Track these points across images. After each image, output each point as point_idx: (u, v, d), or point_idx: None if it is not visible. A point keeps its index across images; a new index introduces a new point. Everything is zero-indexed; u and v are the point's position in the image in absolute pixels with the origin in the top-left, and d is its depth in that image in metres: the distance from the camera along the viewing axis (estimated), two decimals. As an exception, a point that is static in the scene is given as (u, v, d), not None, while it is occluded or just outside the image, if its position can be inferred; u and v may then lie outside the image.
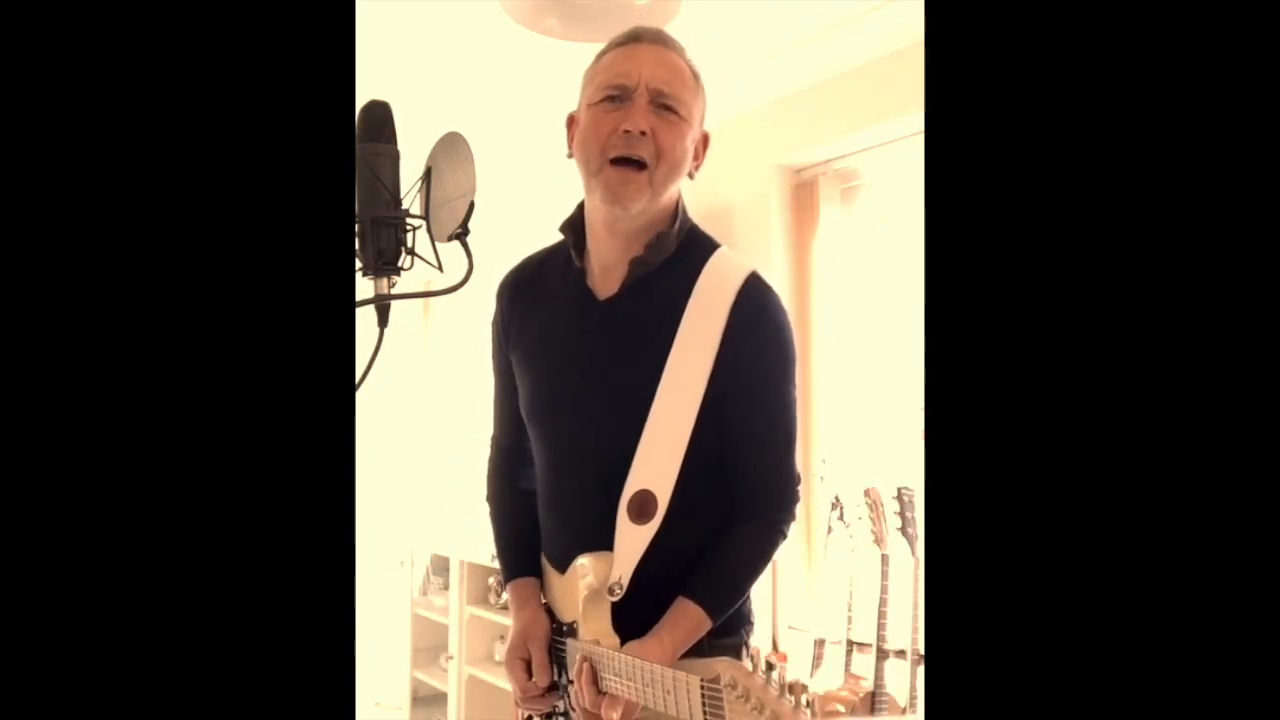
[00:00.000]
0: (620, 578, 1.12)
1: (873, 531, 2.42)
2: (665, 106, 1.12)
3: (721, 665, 0.91)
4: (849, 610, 2.48)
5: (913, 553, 2.34)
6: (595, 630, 1.15)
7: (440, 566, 3.93)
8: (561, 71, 2.88)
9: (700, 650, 1.13)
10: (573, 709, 1.18)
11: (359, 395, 0.80)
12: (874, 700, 2.35)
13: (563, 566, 1.23)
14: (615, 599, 1.13)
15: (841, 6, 2.54)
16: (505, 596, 1.36)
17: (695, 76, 1.18)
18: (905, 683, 2.32)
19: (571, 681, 1.17)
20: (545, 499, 1.29)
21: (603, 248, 1.21)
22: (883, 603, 2.38)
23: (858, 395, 2.74)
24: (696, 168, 1.20)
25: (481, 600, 3.52)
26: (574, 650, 1.19)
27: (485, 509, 1.44)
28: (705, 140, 1.22)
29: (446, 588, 3.71)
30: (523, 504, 1.34)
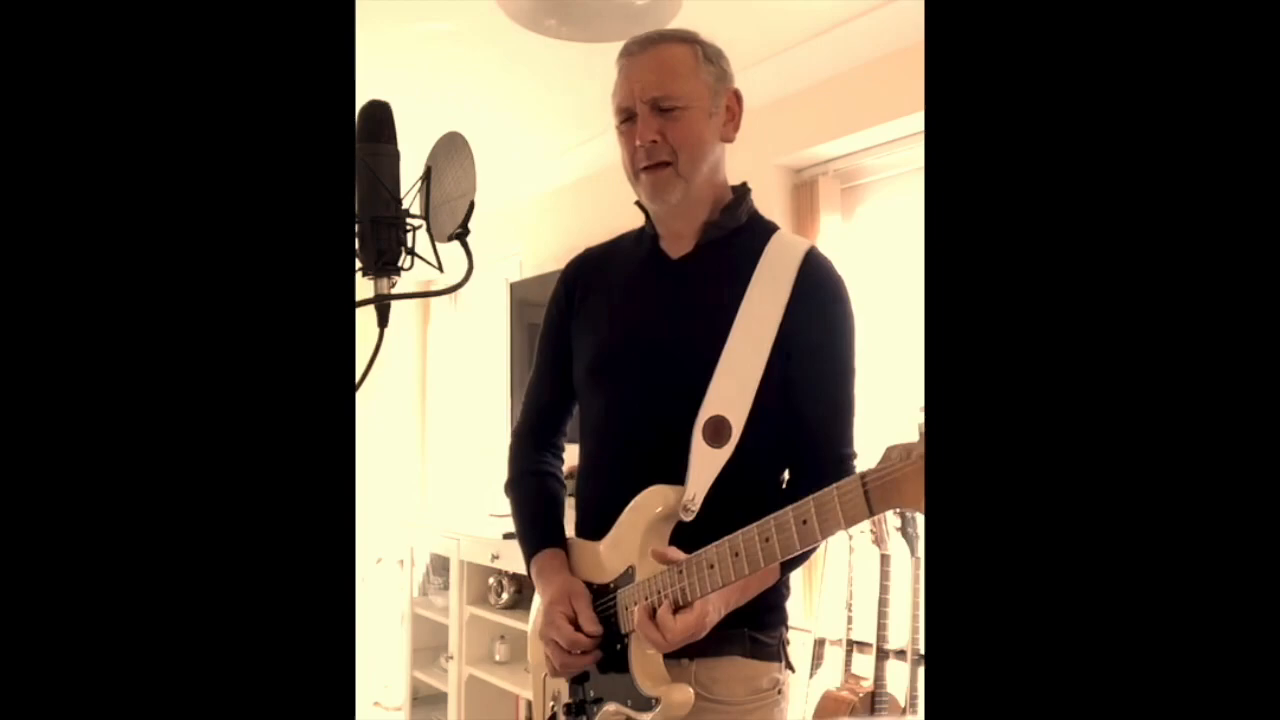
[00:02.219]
0: (694, 497, 1.15)
1: (873, 531, 2.42)
2: (666, 108, 1.21)
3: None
4: (849, 610, 2.48)
5: (913, 553, 2.34)
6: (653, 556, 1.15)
7: (440, 566, 3.93)
8: (561, 71, 2.89)
9: (743, 650, 1.21)
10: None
11: (359, 395, 0.80)
12: (874, 700, 2.35)
13: (600, 534, 1.25)
14: (689, 519, 1.15)
15: (841, 6, 2.54)
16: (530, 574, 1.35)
17: (698, 56, 1.24)
18: (905, 683, 2.32)
19: (630, 632, 1.18)
20: (591, 465, 1.32)
21: (673, 220, 1.30)
22: (883, 603, 2.38)
23: (857, 395, 2.73)
24: (733, 128, 1.29)
25: (481, 600, 3.52)
26: (626, 598, 1.19)
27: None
28: (736, 97, 1.28)
29: (446, 588, 3.71)
30: (545, 485, 1.37)
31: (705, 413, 1.17)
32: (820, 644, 2.60)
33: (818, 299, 1.22)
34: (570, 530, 1.36)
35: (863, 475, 0.98)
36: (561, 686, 1.30)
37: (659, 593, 1.14)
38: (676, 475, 1.18)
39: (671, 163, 1.23)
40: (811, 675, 2.58)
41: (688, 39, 1.25)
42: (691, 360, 1.20)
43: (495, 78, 3.01)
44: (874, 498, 0.96)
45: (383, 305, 1.07)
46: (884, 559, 2.39)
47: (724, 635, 1.18)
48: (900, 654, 2.36)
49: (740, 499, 1.13)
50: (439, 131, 1.16)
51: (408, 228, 1.08)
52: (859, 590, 2.48)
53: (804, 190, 2.96)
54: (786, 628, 1.28)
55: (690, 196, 1.25)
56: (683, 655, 1.18)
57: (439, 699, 3.83)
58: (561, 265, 1.46)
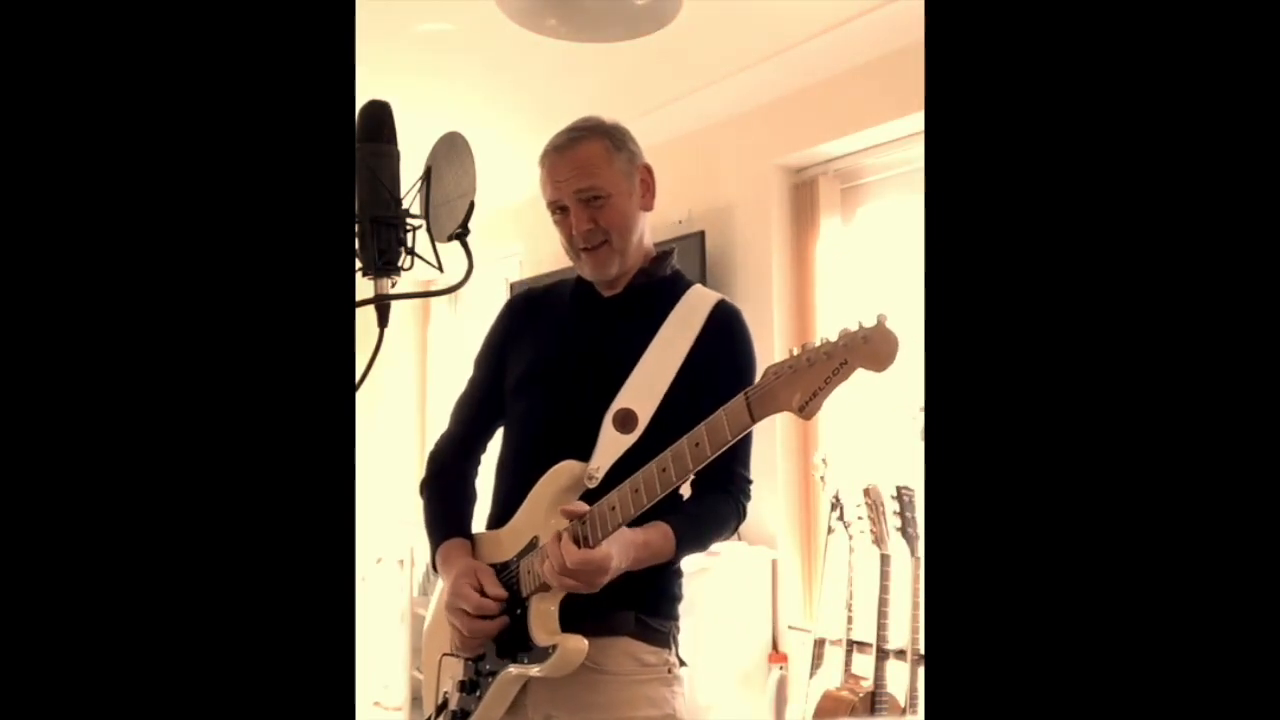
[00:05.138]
0: (599, 468, 1.32)
1: (873, 531, 2.42)
2: (593, 198, 1.39)
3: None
4: (849, 610, 2.48)
5: (913, 553, 2.34)
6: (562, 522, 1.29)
7: (440, 566, 3.92)
8: (561, 71, 2.89)
9: (630, 631, 1.34)
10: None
11: (359, 395, 0.80)
12: (874, 700, 2.35)
13: (504, 521, 1.40)
14: (593, 485, 1.31)
15: (841, 6, 2.54)
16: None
17: (609, 147, 1.42)
18: (905, 683, 2.32)
19: (530, 595, 1.31)
20: (510, 460, 1.47)
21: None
22: (883, 603, 2.38)
23: (857, 395, 2.73)
24: (650, 200, 1.46)
25: (481, 600, 3.52)
26: (529, 564, 1.33)
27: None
28: (648, 171, 1.46)
29: (446, 588, 3.71)
30: (460, 486, 1.54)
31: (616, 405, 1.35)
32: (820, 644, 2.60)
33: (722, 339, 1.41)
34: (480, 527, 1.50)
35: (746, 392, 1.17)
36: (453, 675, 1.41)
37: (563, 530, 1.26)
38: (584, 457, 1.34)
39: (607, 241, 1.40)
40: (811, 675, 2.58)
41: (598, 131, 1.42)
42: (611, 369, 1.38)
43: (495, 78, 3.01)
44: (755, 408, 1.15)
45: (383, 305, 1.07)
46: (884, 559, 2.39)
47: (614, 617, 1.32)
48: (900, 654, 2.36)
49: None
50: (439, 131, 1.16)
51: (408, 228, 1.08)
52: (859, 590, 2.48)
53: (804, 190, 2.96)
54: (677, 625, 1.41)
55: (624, 264, 1.44)
56: (574, 633, 1.30)
57: (439, 699, 3.82)
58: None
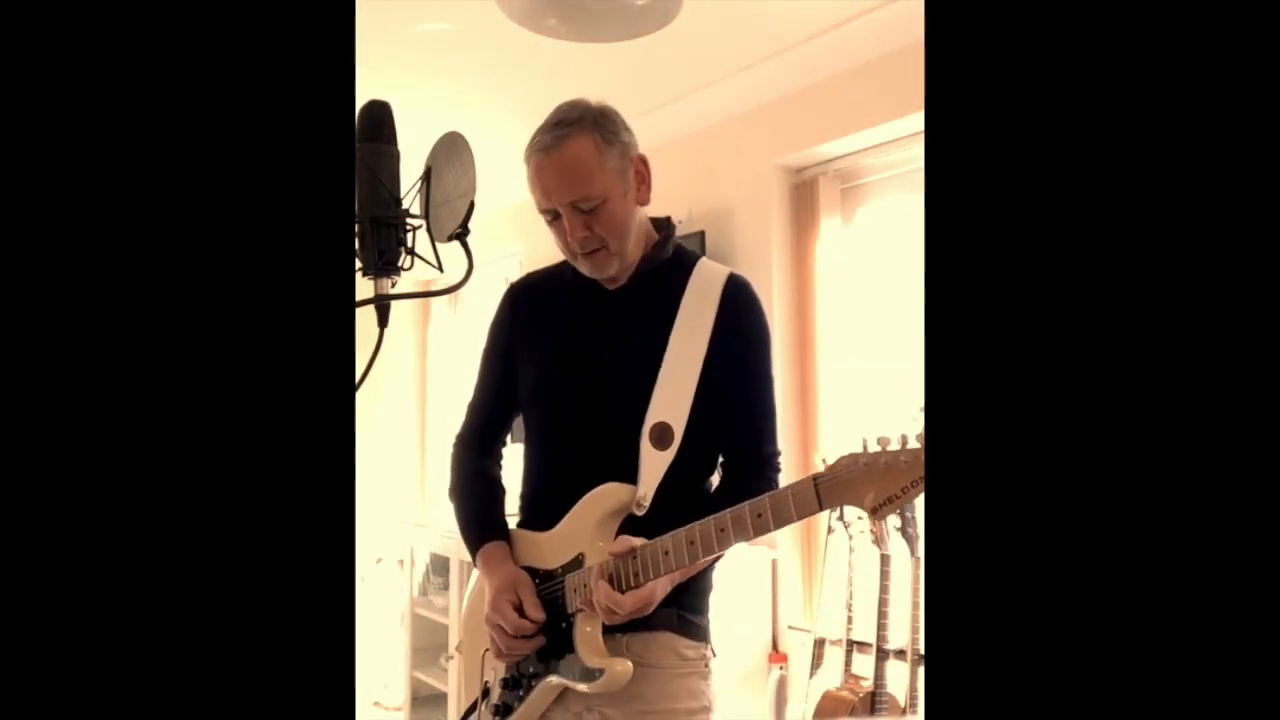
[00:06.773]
0: (645, 494, 1.31)
1: (873, 531, 2.42)
2: (586, 208, 1.32)
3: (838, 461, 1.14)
4: (849, 610, 2.48)
5: (913, 553, 2.34)
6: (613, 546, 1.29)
7: (440, 566, 3.93)
8: (561, 71, 2.89)
9: (673, 627, 1.36)
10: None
11: (359, 395, 0.80)
12: (874, 700, 2.35)
13: (546, 526, 1.38)
14: (641, 513, 1.31)
15: (841, 6, 2.54)
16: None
17: (599, 145, 1.32)
18: (905, 683, 2.33)
19: (576, 612, 1.32)
20: (540, 468, 1.46)
21: None
22: (883, 603, 2.38)
23: (858, 395, 2.74)
24: (646, 194, 1.40)
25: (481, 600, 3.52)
26: (575, 583, 1.33)
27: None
28: (643, 162, 1.39)
29: (446, 588, 3.71)
30: (489, 486, 1.51)
31: (650, 419, 1.33)
32: (820, 644, 2.60)
33: (739, 318, 1.38)
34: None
35: (814, 477, 1.15)
36: (497, 664, 1.42)
37: (610, 575, 1.27)
38: (622, 475, 1.32)
39: (604, 246, 1.35)
40: (811, 675, 2.58)
41: (586, 125, 1.33)
42: (633, 375, 1.35)
43: (495, 78, 3.01)
44: (824, 496, 1.14)
45: (383, 305, 1.07)
46: (884, 559, 2.39)
47: (658, 613, 1.32)
48: (900, 654, 2.36)
49: (681, 495, 1.31)
50: (439, 131, 1.16)
51: (408, 228, 1.08)
52: (859, 590, 2.48)
53: (804, 190, 2.96)
54: (709, 618, 1.43)
55: (624, 262, 1.39)
56: (617, 630, 1.32)
57: (439, 699, 3.83)
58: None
